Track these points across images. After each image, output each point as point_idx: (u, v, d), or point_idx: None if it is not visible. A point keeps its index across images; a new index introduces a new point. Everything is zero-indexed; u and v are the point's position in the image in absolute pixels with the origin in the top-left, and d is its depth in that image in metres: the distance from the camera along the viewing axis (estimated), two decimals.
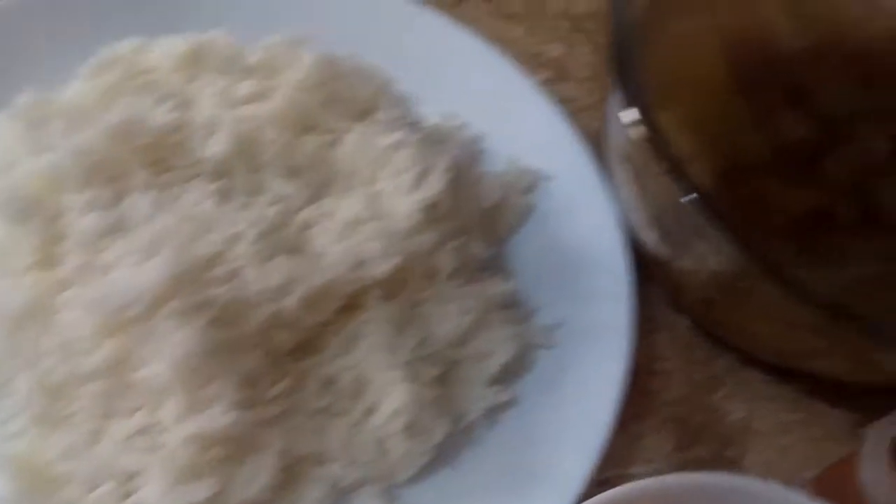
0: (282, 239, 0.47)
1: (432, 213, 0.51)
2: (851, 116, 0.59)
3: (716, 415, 0.59)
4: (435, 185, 0.51)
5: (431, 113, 0.61)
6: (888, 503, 0.50)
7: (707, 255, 0.52)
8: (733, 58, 0.59)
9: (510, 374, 0.53)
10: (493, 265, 0.57)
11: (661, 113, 0.54)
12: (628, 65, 0.51)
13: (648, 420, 0.57)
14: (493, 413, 0.52)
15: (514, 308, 0.55)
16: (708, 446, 0.58)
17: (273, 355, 0.46)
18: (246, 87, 0.52)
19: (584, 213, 0.59)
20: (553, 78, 0.70)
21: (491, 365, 0.51)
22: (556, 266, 0.58)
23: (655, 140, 0.49)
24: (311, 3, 0.61)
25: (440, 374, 0.50)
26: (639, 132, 0.49)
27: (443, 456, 0.50)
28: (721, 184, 0.55)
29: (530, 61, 0.72)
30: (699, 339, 0.61)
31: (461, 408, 0.51)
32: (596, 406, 0.52)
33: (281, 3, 0.61)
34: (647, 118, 0.49)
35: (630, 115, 0.50)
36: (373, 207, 0.49)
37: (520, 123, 0.61)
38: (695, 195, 0.47)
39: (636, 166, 0.55)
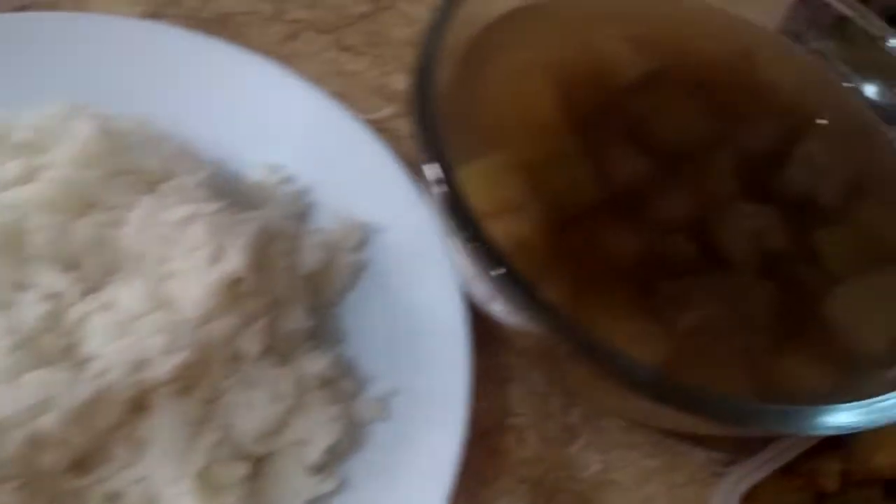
0: (45, 345, 0.41)
1: (233, 293, 0.46)
2: (692, 150, 0.56)
3: (572, 470, 0.54)
4: (234, 260, 0.44)
5: (256, 165, 0.55)
6: None
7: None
8: (565, 94, 0.54)
9: (337, 456, 0.47)
10: (320, 334, 0.51)
11: (483, 161, 0.49)
12: (428, 115, 0.46)
13: (501, 482, 0.52)
14: (324, 502, 0.47)
15: (341, 381, 0.49)
16: None
17: (41, 479, 0.39)
18: (11, 168, 0.44)
19: (422, 269, 0.53)
20: (398, 113, 0.65)
21: (311, 453, 0.45)
22: (391, 329, 0.52)
23: (452, 201, 0.43)
24: (98, 58, 0.54)
25: (249, 472, 0.44)
26: (440, 190, 0.46)
27: None
28: (550, 233, 0.52)
29: (373, 95, 0.66)
30: (554, 388, 0.57)
31: None
32: (431, 484, 0.48)
33: (56, 65, 0.53)
34: (447, 176, 0.43)
35: (432, 171, 0.46)
36: (158, 295, 0.42)
37: (352, 172, 0.55)
38: (500, 270, 0.43)
39: None
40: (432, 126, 0.44)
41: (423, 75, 0.45)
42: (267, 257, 0.47)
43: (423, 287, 0.53)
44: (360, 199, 0.55)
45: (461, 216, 0.43)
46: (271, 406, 0.45)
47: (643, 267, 0.50)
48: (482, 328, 0.55)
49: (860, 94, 0.61)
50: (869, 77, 0.62)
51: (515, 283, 0.42)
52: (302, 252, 0.50)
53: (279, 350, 0.47)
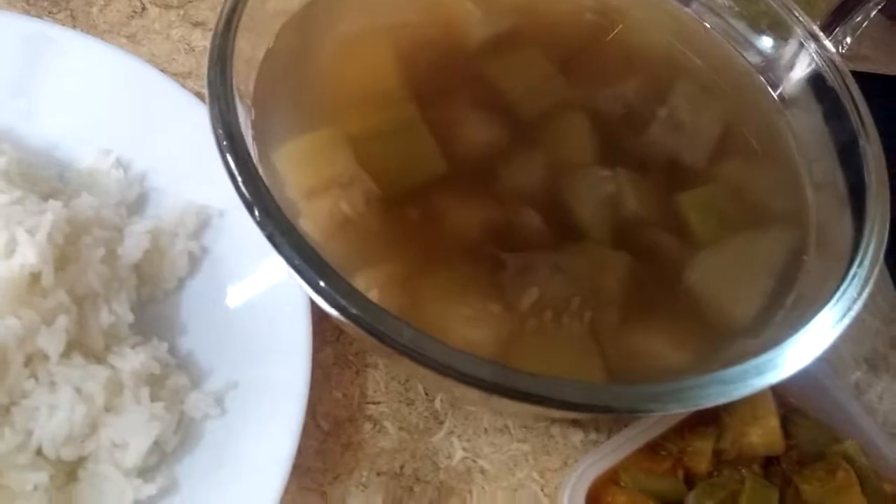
0: None
1: (31, 289, 0.42)
2: (545, 115, 0.51)
3: (435, 459, 0.49)
4: (28, 254, 0.40)
5: (90, 149, 0.50)
6: None
7: None
8: (407, 59, 0.49)
9: (164, 457, 0.43)
10: (150, 327, 0.47)
11: (309, 136, 0.44)
12: (225, 88, 0.40)
13: (355, 475, 0.48)
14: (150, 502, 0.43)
15: (171, 377, 0.44)
16: (423, 499, 0.48)
17: None
18: None
19: (262, 254, 0.48)
20: None
21: (130, 455, 0.41)
22: (230, 318, 0.47)
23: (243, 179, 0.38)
24: None
25: (57, 478, 0.40)
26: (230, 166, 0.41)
27: None
28: (384, 210, 0.47)
29: None
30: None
31: None
32: (264, 482, 0.44)
33: None
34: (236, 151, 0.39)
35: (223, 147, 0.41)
36: None
37: (192, 155, 0.50)
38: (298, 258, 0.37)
39: None
40: (228, 100, 0.40)
41: (220, 47, 0.41)
42: (76, 249, 0.43)
43: (264, 274, 0.49)
44: (199, 183, 0.50)
45: (253, 196, 0.39)
46: (77, 408, 0.40)
47: (487, 243, 0.46)
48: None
49: (751, 50, 0.57)
50: (761, 31, 0.58)
51: (319, 273, 0.38)
52: (126, 241, 0.46)
53: (92, 347, 0.43)
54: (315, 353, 0.50)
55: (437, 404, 0.51)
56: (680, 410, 0.40)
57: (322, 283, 0.36)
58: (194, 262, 0.49)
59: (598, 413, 0.40)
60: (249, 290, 0.48)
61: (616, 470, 0.45)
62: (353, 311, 0.36)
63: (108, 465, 0.41)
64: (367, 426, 0.50)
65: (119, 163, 0.50)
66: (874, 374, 0.60)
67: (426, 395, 0.52)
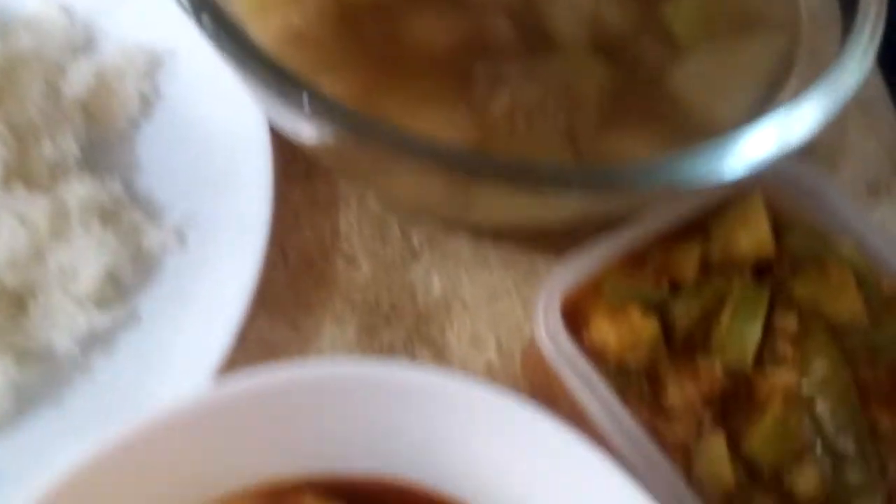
0: None
1: None
2: None
3: (411, 293, 0.47)
4: None
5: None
6: (568, 361, 0.42)
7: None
8: None
9: (123, 289, 0.41)
10: (103, 164, 0.45)
11: None
12: None
13: (329, 310, 0.46)
14: (108, 335, 0.41)
15: (125, 212, 0.42)
16: (401, 329, 0.46)
17: None
18: None
19: (221, 93, 0.45)
20: None
21: (81, 283, 0.39)
22: (190, 157, 0.45)
23: None
24: None
25: (9, 306, 0.38)
26: None
27: (38, 398, 0.39)
28: (340, 22, 0.44)
29: None
30: (393, 211, 0.49)
31: (46, 339, 0.39)
32: (222, 313, 0.41)
33: None
34: None
35: None
36: None
37: None
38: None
39: None
40: None
41: None
42: (12, 82, 0.41)
43: (224, 112, 0.46)
44: (150, 26, 0.47)
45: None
46: (19, 233, 0.38)
47: (454, 53, 0.43)
48: (307, 156, 0.48)
49: None
50: None
51: (276, 77, 0.35)
52: (70, 78, 0.44)
53: (36, 179, 0.41)
54: (283, 193, 0.48)
55: (414, 241, 0.49)
56: (654, 189, 0.36)
57: (281, 87, 0.34)
58: (147, 102, 0.46)
59: (568, 190, 0.36)
60: (207, 128, 0.46)
61: (597, 283, 0.43)
62: (317, 104, 0.34)
63: (59, 294, 0.39)
64: (340, 262, 0.48)
65: (63, 8, 0.47)
66: (875, 199, 0.56)
67: (402, 233, 0.49)
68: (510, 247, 0.49)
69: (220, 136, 0.45)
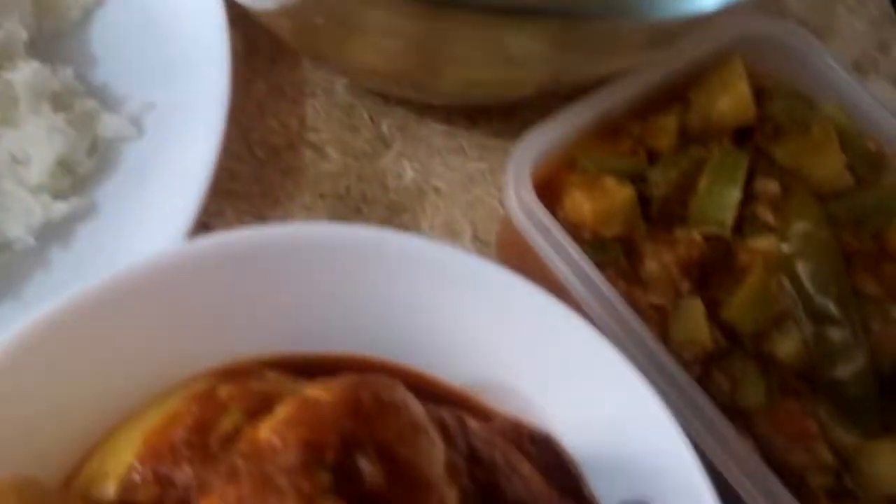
0: None
1: None
2: None
3: (382, 182, 0.45)
4: None
5: None
6: (541, 229, 0.37)
7: None
8: None
9: (80, 178, 0.40)
10: (56, 51, 0.43)
11: None
12: None
13: (297, 199, 0.44)
14: (65, 226, 0.39)
15: (79, 100, 0.40)
16: (372, 219, 0.44)
17: None
18: None
19: None
20: None
21: (33, 171, 0.37)
22: (146, 45, 0.43)
23: None
24: None
25: None
26: None
27: None
28: None
29: None
30: (365, 99, 0.47)
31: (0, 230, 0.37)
32: (181, 200, 0.39)
33: None
34: None
35: None
36: None
37: None
38: None
39: None
40: None
41: None
42: None
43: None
44: None
45: None
46: None
47: None
48: (271, 43, 0.47)
49: None
50: None
51: None
52: None
53: None
54: (246, 83, 0.46)
55: (384, 128, 0.47)
56: (627, 19, 0.34)
57: None
58: None
59: (540, 18, 0.34)
60: (163, 13, 0.44)
61: (571, 157, 0.41)
62: None
63: (12, 183, 0.38)
64: (308, 153, 0.46)
65: None
66: (863, 76, 0.54)
67: (372, 120, 0.47)
68: (485, 132, 0.47)
69: (176, 20, 0.43)
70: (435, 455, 0.25)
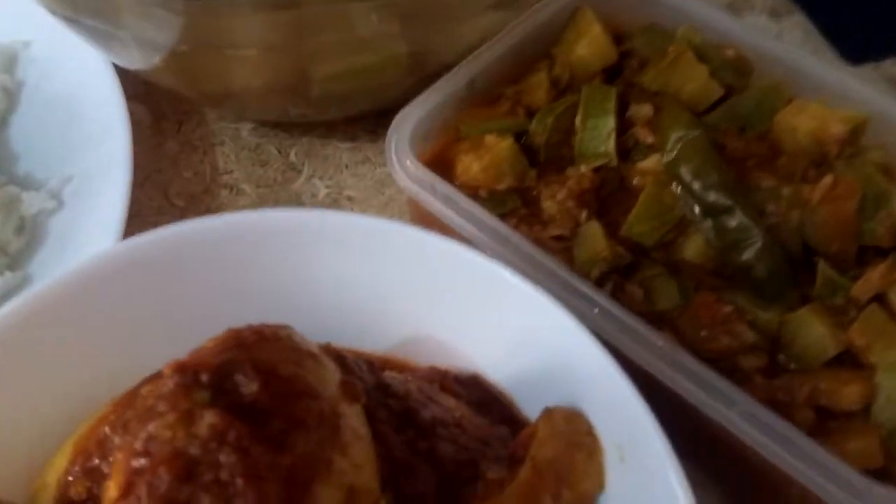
0: None
1: None
2: None
3: (298, 202, 0.46)
4: None
5: None
6: (436, 196, 0.37)
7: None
8: None
9: (16, 255, 0.42)
10: None
11: None
12: None
13: None
14: (5, 300, 0.38)
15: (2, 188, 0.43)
16: None
17: None
18: None
19: (75, 69, 0.47)
20: None
21: None
22: (56, 131, 0.46)
23: None
24: None
25: None
26: None
27: None
28: None
29: None
30: (270, 137, 0.49)
31: None
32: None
33: None
34: None
35: None
36: None
37: None
38: None
39: None
40: None
41: None
42: None
43: (81, 86, 0.47)
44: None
45: None
46: None
47: None
48: (175, 109, 0.50)
49: None
50: None
51: None
52: None
53: None
54: (156, 145, 0.49)
55: (293, 156, 0.48)
56: None
57: None
58: (10, 96, 0.47)
59: None
60: (69, 102, 0.46)
61: (456, 130, 0.43)
62: None
63: None
64: (224, 193, 0.47)
65: None
66: (738, 13, 0.56)
67: (279, 152, 0.49)
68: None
69: (80, 106, 0.46)
70: (325, 375, 0.25)
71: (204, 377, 0.23)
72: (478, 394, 0.33)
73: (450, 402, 0.32)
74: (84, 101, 0.46)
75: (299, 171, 0.48)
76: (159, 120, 0.50)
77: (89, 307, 0.33)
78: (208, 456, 0.22)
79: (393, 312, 0.36)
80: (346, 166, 0.48)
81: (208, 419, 0.22)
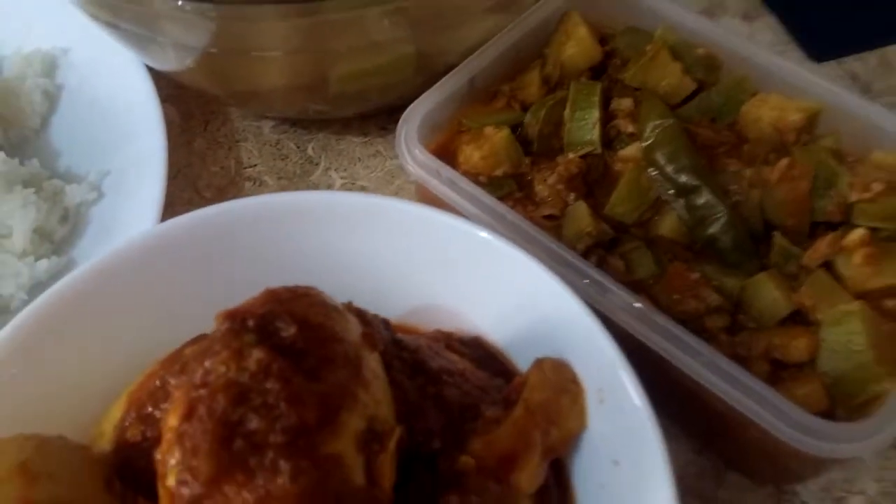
0: None
1: None
2: None
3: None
4: None
5: None
6: (441, 181, 0.42)
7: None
8: None
9: (59, 242, 0.46)
10: (23, 153, 0.50)
11: None
12: None
13: None
14: (52, 282, 0.45)
15: (46, 181, 0.47)
16: None
17: None
18: None
19: (112, 73, 0.51)
20: None
21: (16, 240, 0.44)
22: (95, 130, 0.50)
23: None
24: None
25: None
26: None
27: None
28: None
29: None
30: (290, 133, 0.54)
31: None
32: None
33: None
34: None
35: None
36: None
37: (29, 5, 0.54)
38: None
39: None
40: None
41: None
42: None
43: (118, 88, 0.51)
44: (41, 31, 0.54)
45: None
46: None
47: None
48: (203, 109, 0.55)
49: None
50: None
51: None
52: None
53: None
54: (185, 143, 0.53)
55: (310, 151, 0.53)
56: None
57: None
58: (51, 97, 0.52)
59: None
60: (105, 104, 0.51)
61: (459, 122, 0.47)
62: None
63: (1, 253, 0.44)
64: (248, 185, 0.52)
65: None
66: (712, 17, 0.61)
67: (298, 148, 0.54)
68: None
69: (118, 107, 0.50)
70: (348, 325, 0.29)
71: (250, 322, 0.27)
72: (478, 352, 0.38)
73: (454, 357, 0.36)
74: (120, 102, 0.50)
75: (316, 164, 0.52)
76: (188, 119, 0.54)
77: (132, 283, 0.37)
78: (257, 385, 0.26)
79: (404, 283, 0.40)
80: (360, 159, 0.53)
81: (256, 355, 0.26)
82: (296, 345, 0.27)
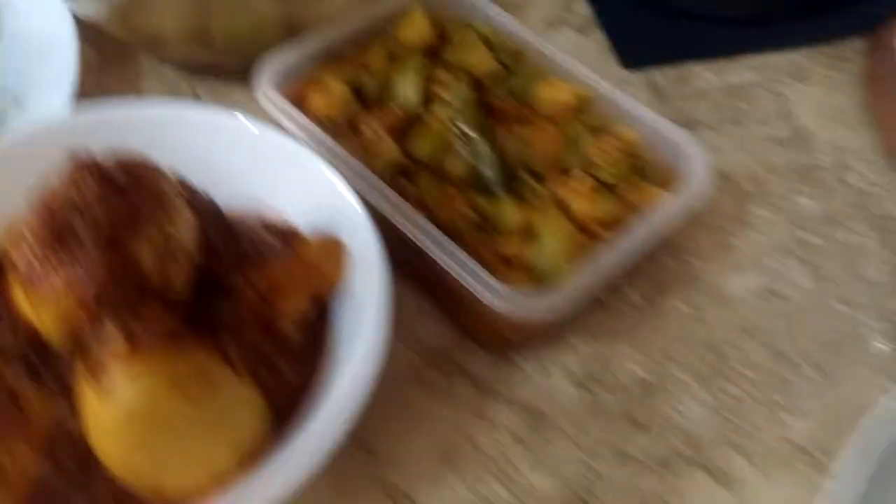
0: None
1: None
2: None
3: None
4: None
5: None
6: (288, 119, 0.54)
7: None
8: None
9: None
10: None
11: None
12: None
13: None
14: None
15: None
16: None
17: None
18: None
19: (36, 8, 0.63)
20: None
21: None
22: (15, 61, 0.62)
23: None
24: None
25: None
26: None
27: None
28: None
29: None
30: (186, 79, 0.64)
31: None
32: None
33: None
34: None
35: None
36: None
37: None
38: None
39: None
40: None
41: None
42: None
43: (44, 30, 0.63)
44: None
45: None
46: None
47: None
48: (117, 53, 0.66)
49: None
50: None
51: None
52: None
53: None
54: (99, 81, 0.65)
55: (199, 91, 0.65)
56: None
57: None
58: None
59: None
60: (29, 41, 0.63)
61: (311, 75, 0.59)
62: None
63: None
64: None
65: None
66: (554, 29, 0.74)
67: (190, 89, 0.65)
68: None
69: (41, 45, 0.62)
70: (171, 181, 0.41)
71: (93, 168, 0.38)
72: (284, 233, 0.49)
73: (268, 238, 0.48)
74: (44, 40, 0.62)
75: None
76: (104, 62, 0.65)
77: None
78: (86, 203, 0.37)
79: (235, 183, 0.51)
80: (237, 102, 0.64)
81: (91, 184, 0.38)
82: (123, 185, 0.39)
